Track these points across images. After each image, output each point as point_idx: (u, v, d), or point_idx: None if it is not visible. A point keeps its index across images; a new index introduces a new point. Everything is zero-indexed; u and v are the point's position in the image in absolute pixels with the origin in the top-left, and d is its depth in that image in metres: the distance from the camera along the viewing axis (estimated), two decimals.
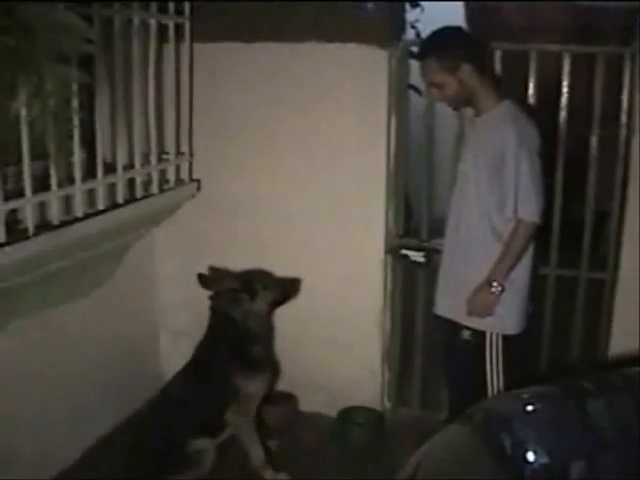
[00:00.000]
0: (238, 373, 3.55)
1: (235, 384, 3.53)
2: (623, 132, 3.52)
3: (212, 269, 3.85)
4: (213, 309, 3.64)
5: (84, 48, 1.80)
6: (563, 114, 3.59)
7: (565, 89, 3.56)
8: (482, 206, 3.14)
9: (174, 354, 4.15)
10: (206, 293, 4.16)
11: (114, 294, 3.81)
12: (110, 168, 3.46)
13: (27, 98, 1.71)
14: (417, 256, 3.73)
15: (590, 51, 3.61)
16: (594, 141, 3.58)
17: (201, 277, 3.69)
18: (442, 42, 3.18)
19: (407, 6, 4.19)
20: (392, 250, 3.87)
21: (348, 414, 3.97)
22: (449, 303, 3.31)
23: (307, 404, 4.11)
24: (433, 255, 3.64)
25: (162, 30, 3.70)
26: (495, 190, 3.08)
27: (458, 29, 3.32)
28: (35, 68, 1.66)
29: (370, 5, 3.69)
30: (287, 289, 3.78)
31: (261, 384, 3.63)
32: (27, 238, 2.94)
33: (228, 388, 3.52)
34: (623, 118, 3.51)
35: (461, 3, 6.36)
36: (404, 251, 3.77)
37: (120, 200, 3.50)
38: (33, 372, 3.39)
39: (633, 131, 3.45)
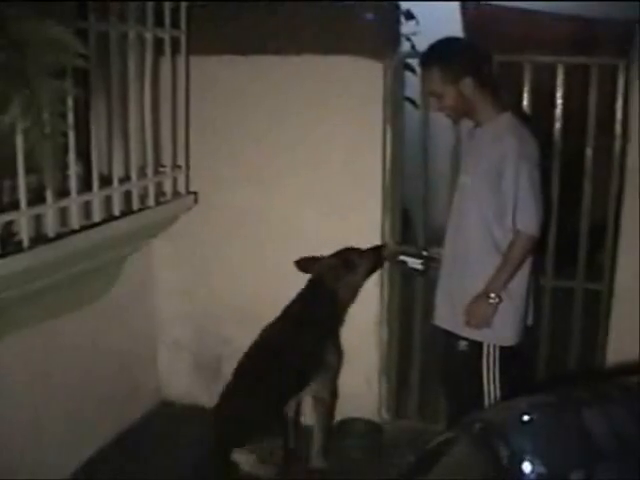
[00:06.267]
0: (330, 349, 3.73)
1: (327, 359, 3.69)
2: (618, 143, 3.52)
3: (303, 259, 3.81)
4: (313, 282, 3.71)
5: (76, 63, 1.81)
6: (558, 125, 3.59)
7: (559, 100, 3.56)
8: (481, 217, 3.13)
9: (172, 367, 4.15)
10: (204, 305, 4.19)
11: (111, 307, 3.81)
12: (106, 181, 3.47)
13: (19, 111, 1.72)
14: (415, 263, 3.70)
15: (584, 62, 3.62)
16: (589, 152, 3.59)
17: (299, 263, 3.74)
18: (446, 53, 3.15)
19: (402, 18, 4.19)
20: (390, 256, 3.85)
21: (346, 426, 3.96)
22: (447, 313, 3.30)
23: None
24: (431, 263, 3.63)
25: (158, 43, 3.71)
26: (494, 201, 3.07)
27: (463, 41, 3.28)
28: (26, 82, 1.67)
29: (369, 15, 3.71)
30: (376, 258, 3.81)
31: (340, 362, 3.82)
32: (22, 250, 2.94)
33: (318, 361, 3.65)
34: (618, 129, 3.51)
35: (457, 16, 6.37)
36: (402, 257, 3.75)
37: (116, 213, 3.51)
38: (29, 385, 3.39)
39: (628, 142, 3.45)
